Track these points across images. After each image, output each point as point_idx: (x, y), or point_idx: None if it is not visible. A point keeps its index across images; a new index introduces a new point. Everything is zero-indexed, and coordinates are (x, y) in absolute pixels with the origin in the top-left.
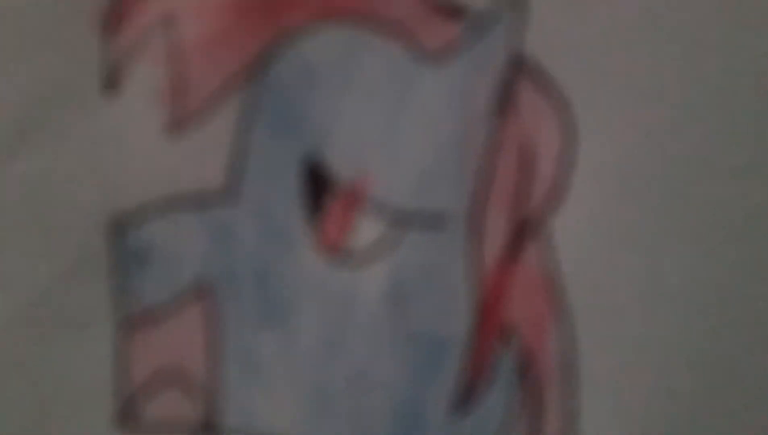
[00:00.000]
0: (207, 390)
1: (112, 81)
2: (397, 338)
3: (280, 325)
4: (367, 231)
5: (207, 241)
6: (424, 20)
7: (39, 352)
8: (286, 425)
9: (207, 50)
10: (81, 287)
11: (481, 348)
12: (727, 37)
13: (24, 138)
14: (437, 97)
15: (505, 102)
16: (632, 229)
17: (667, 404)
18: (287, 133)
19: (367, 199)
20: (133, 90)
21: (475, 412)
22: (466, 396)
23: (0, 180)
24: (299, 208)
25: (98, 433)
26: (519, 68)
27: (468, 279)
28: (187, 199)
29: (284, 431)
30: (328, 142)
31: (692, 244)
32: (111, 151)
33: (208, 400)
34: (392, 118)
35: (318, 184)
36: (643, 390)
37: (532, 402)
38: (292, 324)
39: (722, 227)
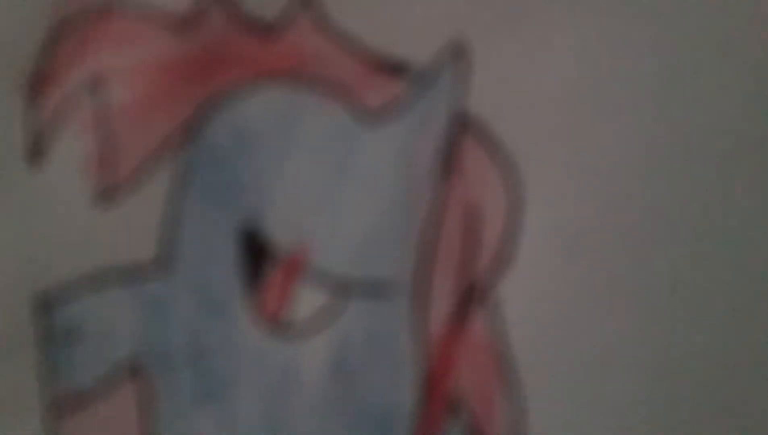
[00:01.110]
0: None
1: (37, 149)
2: (343, 412)
3: (219, 403)
4: (308, 301)
5: (139, 316)
6: (365, 78)
7: None
8: None
9: (137, 115)
10: (6, 368)
11: (429, 419)
12: (676, 99)
13: None
14: (380, 159)
15: (449, 162)
16: (580, 294)
17: None
18: (223, 200)
19: (308, 267)
20: (60, 158)
21: None
22: None
23: None
24: (237, 278)
25: None
26: (463, 127)
27: (414, 348)
28: (118, 272)
29: None
30: (266, 209)
31: (641, 310)
32: (37, 224)
33: None
34: (333, 181)
35: (256, 254)
36: None
37: None
38: (232, 401)
39: (671, 293)
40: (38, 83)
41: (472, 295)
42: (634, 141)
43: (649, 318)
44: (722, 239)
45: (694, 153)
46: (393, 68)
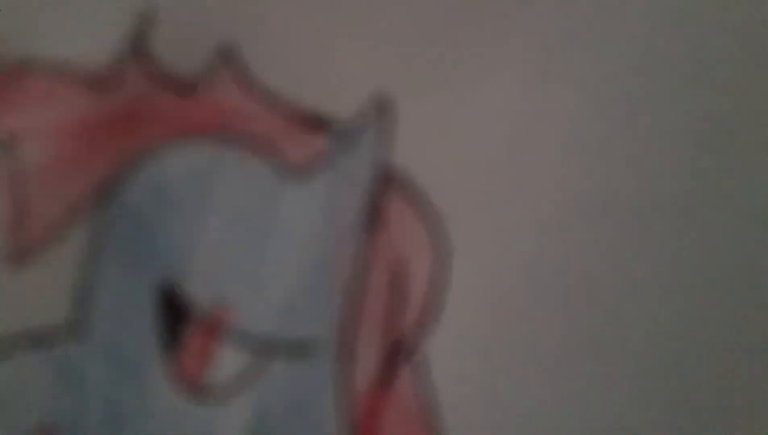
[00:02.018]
0: None
1: None
2: None
3: None
4: (228, 363)
5: (52, 383)
6: (288, 133)
7: None
8: None
9: (52, 175)
10: None
11: None
12: (602, 159)
13: None
14: (302, 214)
15: (374, 217)
16: (507, 352)
17: None
18: (140, 261)
19: (229, 328)
20: None
21: None
22: None
23: None
24: (154, 341)
25: None
26: (388, 181)
27: (338, 409)
28: (29, 337)
29: None
30: (186, 270)
31: (568, 370)
32: None
33: None
34: (255, 239)
35: (175, 314)
36: None
37: None
38: None
39: (597, 354)
40: None
41: (398, 352)
42: (560, 199)
43: (576, 379)
44: (647, 296)
45: (622, 213)
46: (315, 123)
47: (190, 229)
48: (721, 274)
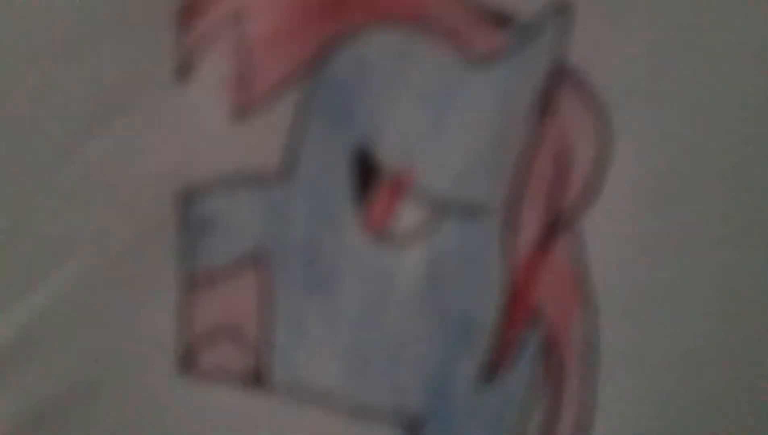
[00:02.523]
0: (258, 346)
1: (183, 71)
2: (432, 314)
3: (326, 294)
4: (409, 216)
5: (263, 215)
6: (474, 27)
7: (113, 303)
8: (327, 383)
9: (271, 45)
10: (151, 249)
11: (509, 329)
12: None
13: (102, 119)
14: (482, 99)
15: (546, 107)
16: (658, 234)
17: (684, 407)
18: (340, 123)
19: (411, 186)
20: (203, 79)
21: (500, 386)
22: (493, 370)
23: (81, 155)
24: (348, 191)
25: (162, 377)
26: (561, 76)
27: (501, 265)
28: (248, 177)
29: (326, 388)
30: (378, 134)
31: (717, 255)
32: (181, 133)
33: (259, 355)
34: (439, 115)
35: (366, 172)
36: (660, 390)
37: (553, 385)
38: (337, 294)
39: (748, 238)
40: (188, 14)
41: (557, 224)
42: (727, 95)
43: (723, 263)
44: None
45: None
46: (500, 19)
47: (384, 101)
48: None
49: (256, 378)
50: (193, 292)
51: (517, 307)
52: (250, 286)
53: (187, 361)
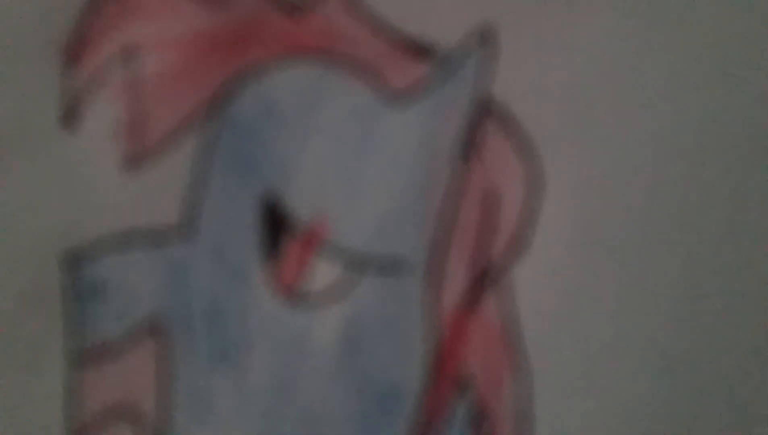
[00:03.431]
0: (156, 428)
1: (70, 115)
2: (350, 383)
3: (232, 365)
4: (323, 273)
5: (161, 277)
6: (391, 59)
7: None
8: None
9: (167, 85)
10: (34, 320)
11: (436, 397)
12: (705, 90)
13: None
14: (401, 139)
15: (470, 145)
16: (593, 283)
17: None
18: (246, 171)
19: (326, 241)
20: (92, 125)
21: None
22: None
23: None
24: (256, 247)
25: None
26: (486, 111)
27: (425, 326)
28: (143, 235)
29: None
30: (287, 183)
31: (653, 306)
32: (68, 186)
33: None
34: (354, 159)
35: (276, 224)
36: None
37: None
38: (245, 363)
39: (684, 289)
40: (74, 51)
41: (485, 277)
42: (659, 136)
43: (660, 312)
44: (744, 238)
45: (716, 151)
46: (420, 50)
47: (294, 145)
48: None
49: None
50: (83, 368)
51: (444, 374)
52: (147, 359)
53: None
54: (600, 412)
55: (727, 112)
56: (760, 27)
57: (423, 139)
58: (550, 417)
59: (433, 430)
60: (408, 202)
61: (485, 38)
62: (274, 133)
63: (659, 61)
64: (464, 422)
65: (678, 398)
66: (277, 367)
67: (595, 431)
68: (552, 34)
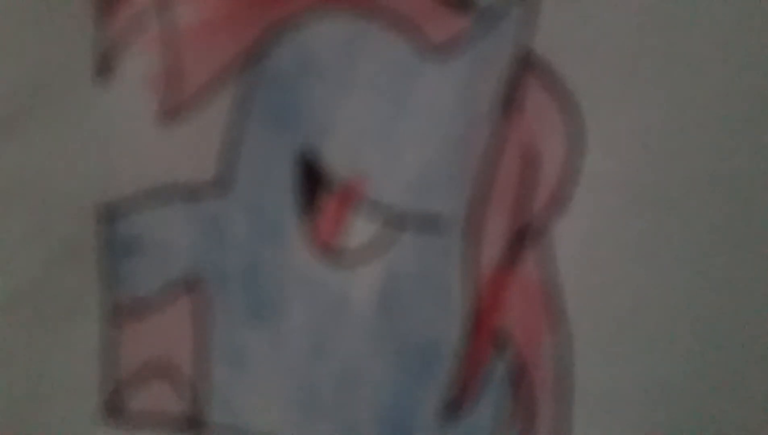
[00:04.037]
0: (194, 385)
1: (104, 67)
2: (388, 340)
3: (269, 322)
4: (360, 231)
5: (197, 233)
6: (431, 13)
7: (26, 339)
8: (272, 423)
9: (202, 37)
10: (70, 275)
11: (474, 355)
12: (739, 43)
13: (14, 125)
14: (440, 94)
15: (510, 101)
16: (632, 241)
17: (663, 419)
18: (283, 126)
19: (363, 198)
20: (126, 77)
21: (464, 420)
22: (457, 403)
23: None
24: (292, 203)
25: (83, 424)
26: (527, 66)
27: (463, 284)
28: (178, 189)
29: (271, 429)
30: (325, 138)
31: (691, 259)
32: (103, 139)
33: (195, 395)
34: (392, 115)
35: (313, 181)
36: (638, 405)
37: (524, 412)
38: (281, 321)
39: (722, 245)
40: (108, 2)
41: (524, 235)
42: (703, 90)
43: (697, 268)
44: None
45: (762, 110)
46: (459, 4)
47: (332, 98)
48: None
49: (192, 423)
50: (118, 324)
51: (482, 332)
52: (184, 315)
53: (114, 405)
54: (640, 373)
55: None
56: None
57: (462, 94)
58: (589, 376)
59: (472, 388)
60: (447, 158)
61: None
62: (312, 87)
63: (705, 17)
64: (503, 380)
65: (719, 361)
66: (314, 325)
67: (634, 392)
68: None
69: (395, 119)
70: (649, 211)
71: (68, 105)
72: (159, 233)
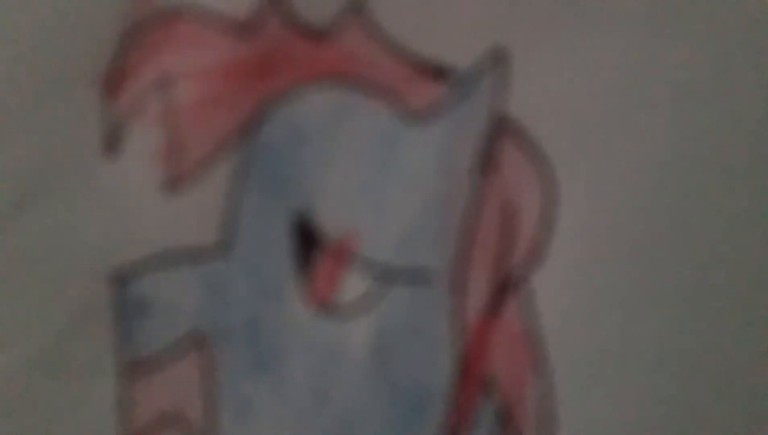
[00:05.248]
0: (204, 433)
1: (112, 143)
2: (383, 388)
3: (272, 374)
4: (353, 286)
5: (202, 293)
6: (410, 81)
7: (48, 398)
8: None
9: (201, 112)
10: (86, 337)
11: (464, 399)
12: (714, 101)
13: (29, 199)
14: (421, 156)
15: (488, 161)
16: (609, 289)
17: None
18: (277, 191)
19: (354, 255)
20: (132, 151)
21: None
22: None
23: (7, 238)
24: (289, 263)
25: None
26: (502, 129)
27: (451, 333)
28: (183, 254)
29: None
30: (317, 201)
31: (665, 306)
32: (111, 209)
33: None
34: (378, 177)
35: (307, 241)
36: None
37: None
38: (282, 372)
39: (695, 291)
40: (113, 82)
41: (506, 285)
42: (670, 148)
43: (674, 314)
44: (757, 245)
45: (730, 161)
46: (436, 72)
47: (321, 164)
48: None
49: None
50: (133, 381)
51: (471, 376)
52: (192, 370)
53: None
54: (618, 413)
55: (740, 124)
56: None
57: (442, 156)
58: (572, 417)
59: (463, 431)
60: (431, 216)
61: (498, 59)
62: (302, 154)
63: (671, 76)
64: (491, 423)
65: (696, 397)
66: (313, 375)
67: (615, 429)
68: (563, 53)
69: (381, 181)
70: (621, 260)
71: (79, 180)
72: (167, 294)
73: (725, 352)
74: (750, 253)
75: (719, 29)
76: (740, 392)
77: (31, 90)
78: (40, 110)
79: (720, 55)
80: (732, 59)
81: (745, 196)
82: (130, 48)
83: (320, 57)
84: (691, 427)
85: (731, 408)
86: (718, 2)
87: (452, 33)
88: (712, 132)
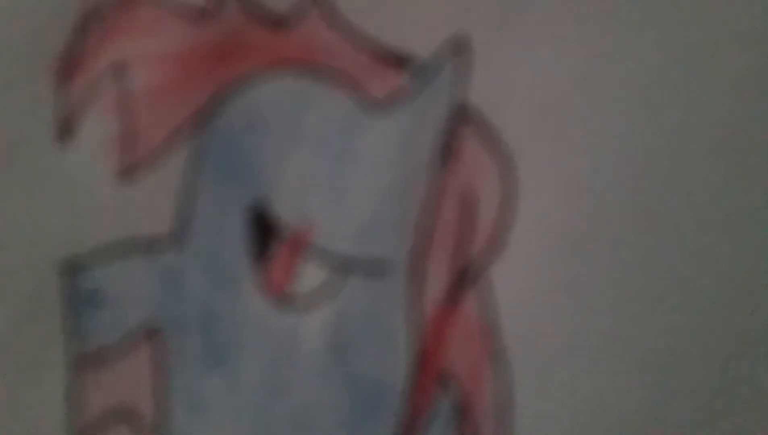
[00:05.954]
0: (155, 429)
1: (65, 131)
2: (339, 380)
3: (226, 367)
4: (310, 276)
5: (155, 284)
6: (371, 70)
7: None
8: None
9: (156, 100)
10: (35, 327)
11: (420, 391)
12: (674, 99)
13: None
14: (382, 146)
15: (447, 151)
16: (567, 279)
17: None
18: (234, 180)
19: (311, 245)
20: (85, 138)
21: None
22: None
23: None
24: (245, 253)
25: None
26: (462, 118)
27: (408, 325)
28: (137, 244)
29: None
30: (274, 190)
31: (625, 299)
32: (64, 198)
33: None
34: (337, 166)
35: (264, 231)
36: (573, 431)
37: None
38: (237, 365)
39: (651, 284)
40: (67, 69)
41: (465, 277)
42: (629, 139)
43: (633, 308)
44: (711, 237)
45: (687, 153)
46: (397, 61)
47: (279, 153)
48: None
49: None
50: (82, 373)
51: (427, 369)
52: (143, 363)
53: None
54: (573, 401)
55: (704, 114)
56: (735, 32)
57: (402, 146)
58: (529, 410)
59: (419, 425)
60: (389, 206)
61: (459, 48)
62: (260, 143)
63: (633, 66)
64: (448, 416)
65: (654, 388)
66: (269, 367)
67: (573, 424)
68: (524, 41)
69: (340, 170)
70: (581, 251)
71: (31, 167)
72: (119, 285)
73: (683, 343)
74: (712, 242)
75: (684, 18)
76: (697, 384)
77: None
78: None
79: (684, 44)
80: (696, 48)
81: (708, 185)
82: (86, 33)
83: (280, 45)
84: (648, 418)
85: (689, 400)
86: None
87: (413, 22)
88: (675, 122)
